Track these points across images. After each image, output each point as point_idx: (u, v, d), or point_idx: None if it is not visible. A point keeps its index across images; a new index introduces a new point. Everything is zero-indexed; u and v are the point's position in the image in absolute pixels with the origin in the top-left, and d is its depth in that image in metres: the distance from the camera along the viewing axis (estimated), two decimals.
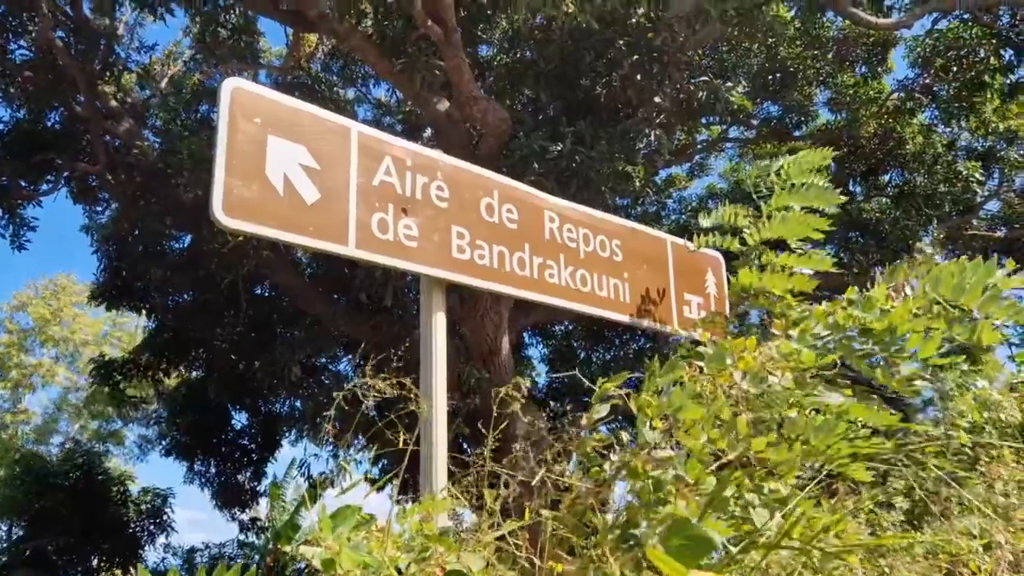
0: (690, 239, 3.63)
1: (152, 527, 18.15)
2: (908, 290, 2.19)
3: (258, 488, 16.26)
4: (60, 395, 31.57)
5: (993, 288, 2.10)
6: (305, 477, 14.18)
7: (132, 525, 17.90)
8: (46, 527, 16.39)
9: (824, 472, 1.92)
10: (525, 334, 16.27)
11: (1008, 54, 13.07)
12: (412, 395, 2.08)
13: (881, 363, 2.20)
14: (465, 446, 10.38)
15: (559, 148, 8.86)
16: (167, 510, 18.40)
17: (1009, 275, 2.15)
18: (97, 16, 12.07)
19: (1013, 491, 2.99)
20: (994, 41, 13.09)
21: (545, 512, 1.76)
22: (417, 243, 3.04)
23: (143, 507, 18.26)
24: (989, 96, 13.75)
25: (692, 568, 1.38)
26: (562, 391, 15.47)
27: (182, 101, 14.14)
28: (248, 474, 16.31)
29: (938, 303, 2.14)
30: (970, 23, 13.41)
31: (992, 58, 13.22)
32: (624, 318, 3.74)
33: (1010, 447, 3.31)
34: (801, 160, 2.97)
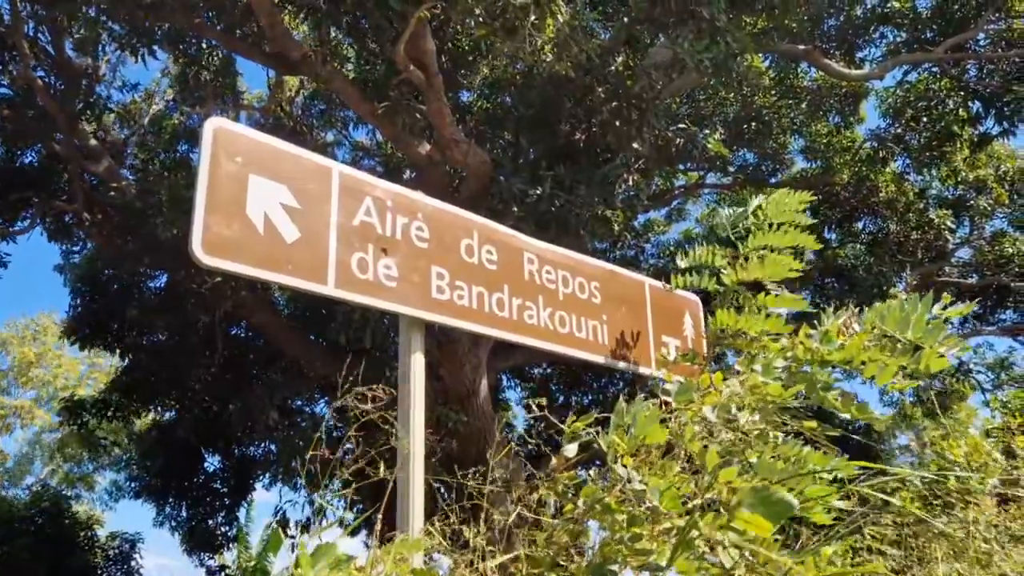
0: (668, 281, 3.67)
1: (120, 574, 17.69)
2: (856, 326, 2.25)
3: (229, 533, 15.94)
4: (34, 437, 30.93)
5: (934, 321, 2.18)
6: (279, 522, 13.92)
7: (99, 571, 17.43)
8: (10, 574, 15.91)
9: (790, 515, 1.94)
10: (503, 377, 16.22)
11: (976, 106, 13.43)
12: (392, 429, 2.07)
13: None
14: (441, 490, 10.26)
15: (538, 192, 8.94)
16: (135, 556, 17.96)
17: (944, 308, 2.24)
18: (79, 55, 12.10)
19: (991, 536, 2.99)
20: (962, 93, 13.45)
21: (521, 551, 1.75)
22: (396, 283, 3.04)
23: (111, 553, 17.81)
24: (959, 146, 14.11)
25: (777, 524, 1.58)
26: (539, 433, 15.38)
27: (161, 141, 14.16)
28: (220, 518, 16.00)
29: (886, 336, 2.20)
30: (939, 75, 13.78)
31: (960, 110, 13.57)
32: (602, 359, 3.75)
33: (987, 492, 3.32)
34: (779, 201, 3.03)
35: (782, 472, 1.89)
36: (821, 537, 2.31)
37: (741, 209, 3.28)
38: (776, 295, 3.01)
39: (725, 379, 2.04)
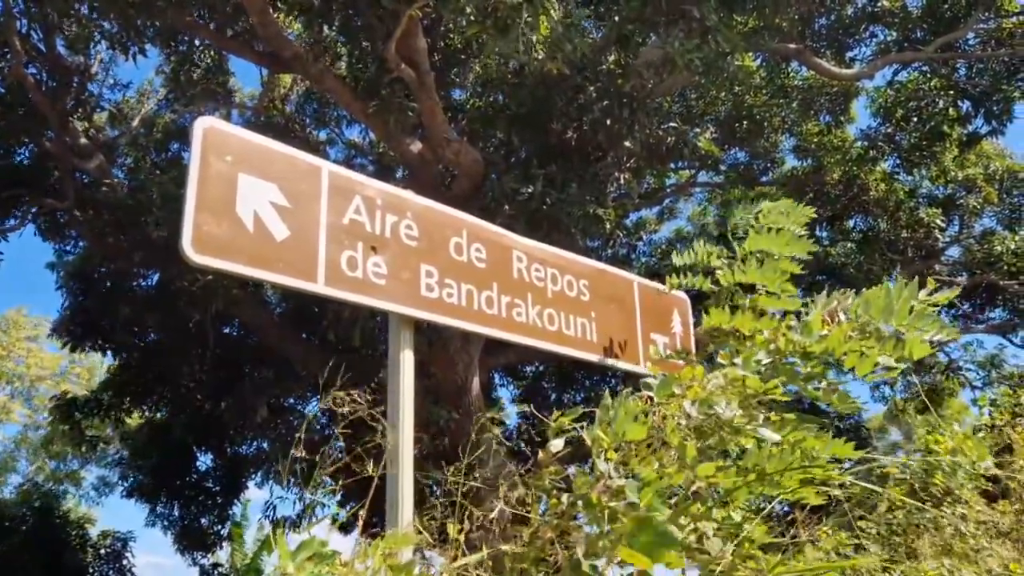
0: (660, 281, 3.69)
1: (112, 573, 17.66)
2: (841, 315, 2.26)
3: (222, 531, 15.91)
4: (18, 433, 30.70)
5: (918, 307, 2.18)
6: (270, 520, 13.92)
7: (91, 570, 17.40)
8: (5, 572, 15.87)
9: (778, 499, 1.96)
10: (495, 375, 16.24)
11: (965, 105, 13.51)
12: (380, 427, 2.09)
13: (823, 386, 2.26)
14: (434, 488, 10.27)
15: (530, 190, 8.96)
16: (127, 554, 17.93)
17: (930, 294, 2.25)
18: (70, 53, 12.07)
19: (976, 532, 3.03)
20: (951, 92, 13.53)
21: (504, 546, 1.77)
22: (386, 281, 3.06)
23: (102, 551, 17.78)
24: (948, 146, 14.19)
25: (658, 561, 1.55)
26: (531, 431, 15.40)
27: (153, 139, 14.13)
28: (212, 517, 15.98)
29: (870, 326, 2.21)
30: (928, 75, 13.86)
31: (950, 109, 13.65)
32: (591, 357, 3.77)
33: (973, 489, 3.35)
34: (782, 209, 3.04)
35: (772, 459, 1.91)
36: (814, 520, 2.33)
37: (746, 208, 3.27)
38: (771, 295, 3.02)
39: (708, 373, 2.06)
